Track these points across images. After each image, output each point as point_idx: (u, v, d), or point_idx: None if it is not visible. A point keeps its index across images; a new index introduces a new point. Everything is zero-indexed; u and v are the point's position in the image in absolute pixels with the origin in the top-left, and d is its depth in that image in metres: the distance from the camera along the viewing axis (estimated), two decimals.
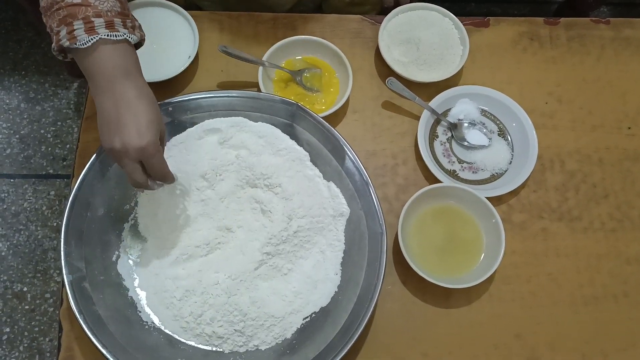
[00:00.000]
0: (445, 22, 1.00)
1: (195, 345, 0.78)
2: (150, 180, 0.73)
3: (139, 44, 0.74)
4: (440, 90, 0.95)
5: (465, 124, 0.95)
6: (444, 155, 0.94)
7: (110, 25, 0.68)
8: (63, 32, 0.67)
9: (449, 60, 0.98)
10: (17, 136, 1.71)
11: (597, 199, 0.93)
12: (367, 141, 0.94)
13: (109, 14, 0.68)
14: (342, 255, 0.84)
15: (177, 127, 0.88)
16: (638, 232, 0.92)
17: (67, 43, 0.67)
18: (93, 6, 0.67)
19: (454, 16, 0.99)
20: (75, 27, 0.66)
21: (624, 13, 2.01)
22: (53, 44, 0.69)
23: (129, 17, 0.72)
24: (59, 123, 1.73)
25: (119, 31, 0.68)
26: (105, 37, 0.67)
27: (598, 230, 0.91)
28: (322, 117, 0.87)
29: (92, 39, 0.66)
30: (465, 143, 0.94)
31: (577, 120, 0.98)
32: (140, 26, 0.75)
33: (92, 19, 0.67)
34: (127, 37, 0.70)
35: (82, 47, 0.67)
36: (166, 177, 0.73)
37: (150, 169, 0.71)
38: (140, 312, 0.79)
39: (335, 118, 0.94)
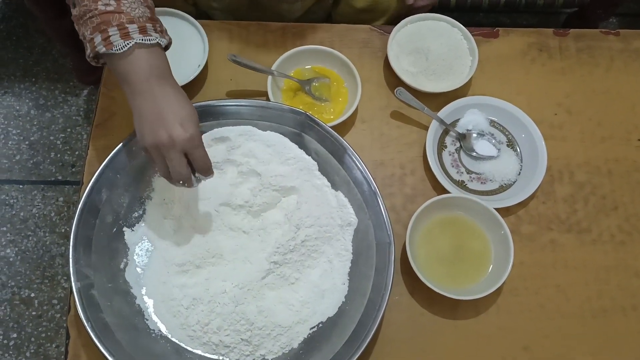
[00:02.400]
0: (454, 32, 1.00)
1: (202, 354, 0.78)
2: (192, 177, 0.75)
3: (166, 48, 0.77)
4: (449, 100, 0.95)
5: (474, 135, 0.95)
6: (453, 166, 0.94)
7: (143, 30, 0.71)
8: (98, 39, 0.70)
9: (458, 70, 0.98)
10: (27, 142, 1.72)
11: (606, 211, 0.93)
12: (376, 151, 0.94)
13: (140, 19, 0.72)
14: (350, 265, 0.83)
15: None
16: None
17: (104, 49, 0.70)
18: (126, 13, 0.71)
19: (462, 27, 1.00)
20: (110, 34, 0.69)
21: (633, 24, 2.01)
22: (88, 51, 0.72)
23: (158, 22, 0.75)
24: (69, 130, 1.74)
25: (151, 35, 0.72)
26: (140, 41, 0.70)
27: (607, 242, 0.91)
28: (330, 127, 0.87)
29: (127, 44, 0.70)
30: (474, 154, 0.94)
31: (586, 131, 0.98)
32: (166, 30, 0.77)
33: (127, 25, 0.70)
34: (159, 41, 0.73)
35: (118, 52, 0.70)
36: (208, 169, 0.75)
37: (195, 160, 0.73)
38: (147, 320, 0.80)
39: (343, 127, 0.94)
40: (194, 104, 0.87)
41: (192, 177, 0.75)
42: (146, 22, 0.72)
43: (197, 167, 0.74)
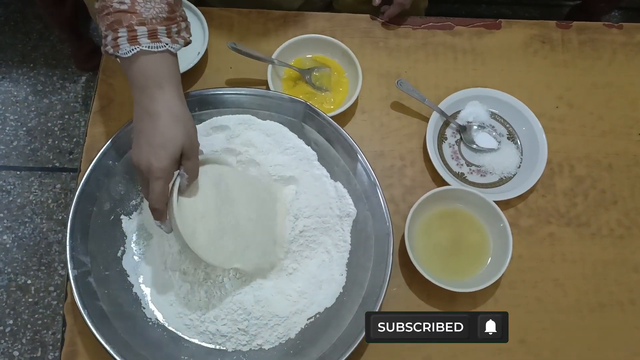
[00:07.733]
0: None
1: (199, 343, 0.78)
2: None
3: (186, 44, 0.74)
4: (450, 92, 0.95)
5: (475, 127, 0.94)
6: (453, 158, 0.93)
7: (152, 35, 0.68)
8: (109, 38, 0.68)
9: None
10: (25, 128, 1.71)
11: (605, 205, 0.92)
12: (375, 142, 0.94)
13: (153, 21, 0.68)
14: (348, 256, 0.83)
15: None
16: None
17: (112, 50, 0.68)
18: (138, 14, 0.67)
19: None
20: (119, 35, 0.67)
21: (636, 17, 2.00)
22: (103, 47, 0.70)
23: (174, 22, 0.71)
24: (66, 116, 1.73)
25: (160, 41, 0.68)
26: (146, 48, 0.67)
27: (606, 236, 0.91)
28: (330, 117, 0.86)
29: (133, 49, 0.67)
30: (474, 146, 0.93)
31: (587, 125, 0.98)
32: (187, 27, 0.74)
33: (135, 28, 0.67)
34: (169, 47, 0.69)
35: (124, 56, 0.67)
36: (154, 210, 0.70)
37: (150, 191, 0.69)
38: (144, 308, 0.79)
39: (343, 118, 0.94)
40: (193, 92, 0.87)
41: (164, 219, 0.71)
42: (159, 25, 0.68)
43: (148, 199, 0.70)
